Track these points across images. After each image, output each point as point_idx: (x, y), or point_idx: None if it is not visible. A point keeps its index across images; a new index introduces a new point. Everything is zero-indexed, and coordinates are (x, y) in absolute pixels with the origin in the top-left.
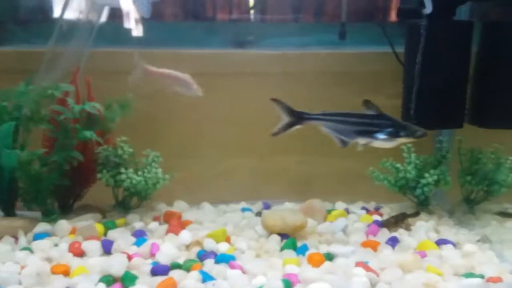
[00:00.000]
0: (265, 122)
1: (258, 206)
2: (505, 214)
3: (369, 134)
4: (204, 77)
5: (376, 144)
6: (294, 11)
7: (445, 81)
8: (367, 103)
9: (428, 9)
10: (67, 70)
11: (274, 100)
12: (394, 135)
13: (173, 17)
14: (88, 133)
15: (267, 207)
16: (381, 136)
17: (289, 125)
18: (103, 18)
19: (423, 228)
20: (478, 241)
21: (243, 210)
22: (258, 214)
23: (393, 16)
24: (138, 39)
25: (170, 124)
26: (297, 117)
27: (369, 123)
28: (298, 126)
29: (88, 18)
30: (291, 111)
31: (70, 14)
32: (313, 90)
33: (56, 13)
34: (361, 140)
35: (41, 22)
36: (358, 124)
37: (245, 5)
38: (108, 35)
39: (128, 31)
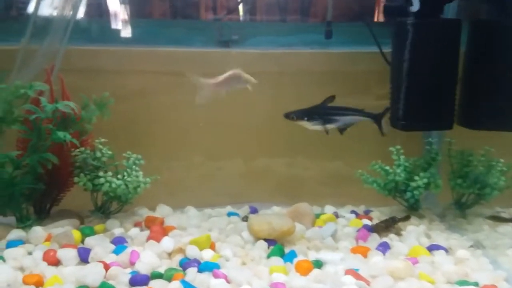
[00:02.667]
0: (251, 123)
1: (245, 210)
2: (497, 218)
3: None
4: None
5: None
6: (282, 11)
7: (433, 81)
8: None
9: (416, 6)
10: (41, 68)
11: None
12: None
13: (159, 15)
14: (61, 134)
15: (254, 211)
16: None
17: None
18: (80, 14)
19: (414, 233)
20: (471, 246)
21: (229, 214)
22: (245, 218)
23: (379, 16)
24: (120, 37)
25: (153, 126)
26: None
27: None
28: None
29: (63, 15)
30: None
31: (45, 10)
32: (298, 89)
33: (30, 9)
34: None
35: (13, 18)
36: None
37: (231, 4)
38: (87, 32)
39: (108, 28)
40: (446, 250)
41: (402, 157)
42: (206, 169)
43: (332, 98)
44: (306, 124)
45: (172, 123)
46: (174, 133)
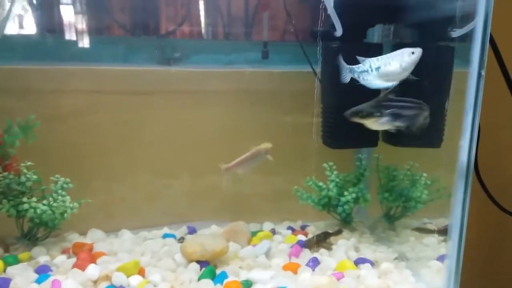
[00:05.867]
0: (192, 140)
1: (182, 231)
2: (422, 230)
3: None
4: (127, 95)
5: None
6: (222, 29)
7: (358, 102)
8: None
9: (339, 32)
10: None
11: None
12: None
13: (96, 32)
14: None
15: (192, 231)
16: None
17: None
18: (6, 32)
19: (343, 247)
20: (396, 259)
21: (165, 236)
22: (181, 240)
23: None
24: (50, 55)
25: (89, 146)
26: None
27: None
28: None
29: None
30: None
31: None
32: (238, 107)
33: None
34: None
35: None
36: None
37: (172, 22)
38: (16, 50)
39: (36, 46)
40: (372, 263)
41: (334, 173)
42: (147, 189)
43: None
44: (378, 122)
45: (115, 143)
46: (115, 153)
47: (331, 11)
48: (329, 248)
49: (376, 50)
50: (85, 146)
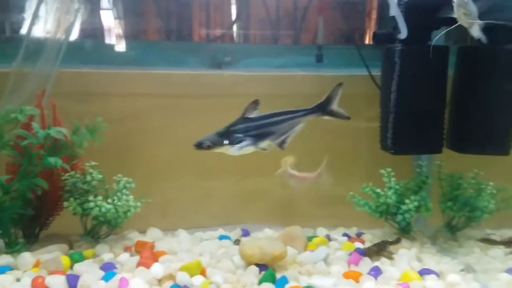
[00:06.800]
0: None
1: (236, 232)
2: (488, 241)
3: None
4: (179, 98)
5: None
6: (273, 33)
7: (422, 106)
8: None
9: (403, 34)
10: (33, 92)
11: None
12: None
13: (150, 36)
14: (52, 160)
15: (246, 234)
16: None
17: None
18: (73, 37)
19: (406, 257)
20: (462, 270)
21: (221, 238)
22: (237, 242)
23: (369, 39)
24: (110, 59)
25: (145, 147)
26: None
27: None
28: None
29: (56, 37)
30: None
31: (37, 33)
32: None
33: (22, 31)
34: None
35: (4, 40)
36: None
37: (223, 26)
38: (79, 54)
39: (101, 50)
40: (437, 275)
41: (393, 179)
42: (198, 190)
43: (255, 103)
44: (229, 150)
45: (166, 145)
46: (167, 155)
47: (396, 12)
48: (389, 257)
49: (442, 54)
50: (140, 147)
